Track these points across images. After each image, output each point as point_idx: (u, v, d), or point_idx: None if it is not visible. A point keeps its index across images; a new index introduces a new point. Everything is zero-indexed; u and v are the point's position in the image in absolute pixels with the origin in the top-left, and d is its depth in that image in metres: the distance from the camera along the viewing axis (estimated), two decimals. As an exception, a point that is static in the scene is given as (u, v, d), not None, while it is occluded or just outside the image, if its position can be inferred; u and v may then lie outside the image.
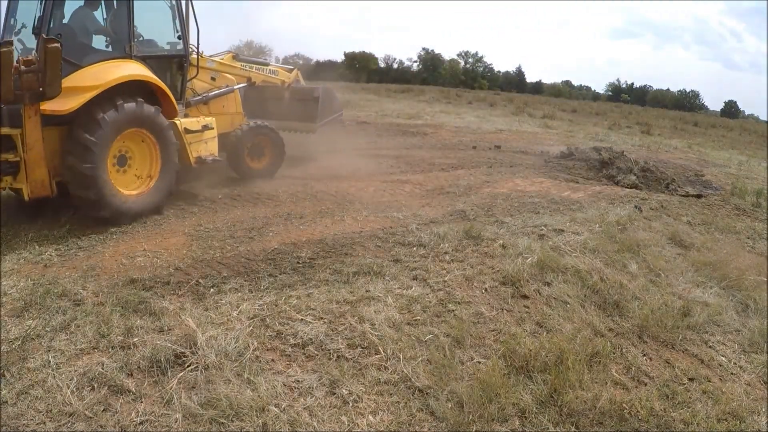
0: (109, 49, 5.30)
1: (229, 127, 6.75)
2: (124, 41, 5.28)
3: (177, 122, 5.68)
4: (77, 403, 2.44)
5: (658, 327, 3.39)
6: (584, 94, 72.59)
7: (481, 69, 71.00)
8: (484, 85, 63.05)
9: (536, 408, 2.58)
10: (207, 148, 6.20)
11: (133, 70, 5.19)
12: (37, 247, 4.40)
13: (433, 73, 64.57)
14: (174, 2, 5.79)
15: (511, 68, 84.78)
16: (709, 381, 2.96)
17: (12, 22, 5.20)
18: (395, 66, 68.36)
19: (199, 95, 6.43)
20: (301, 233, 4.80)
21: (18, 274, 3.83)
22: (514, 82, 68.27)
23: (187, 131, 5.87)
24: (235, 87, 6.90)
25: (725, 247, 5.15)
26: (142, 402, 2.50)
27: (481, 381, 2.70)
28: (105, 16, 5.45)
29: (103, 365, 2.72)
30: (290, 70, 8.11)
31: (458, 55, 70.77)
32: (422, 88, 40.55)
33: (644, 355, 3.16)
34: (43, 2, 4.72)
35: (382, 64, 67.15)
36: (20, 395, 2.50)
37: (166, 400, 2.51)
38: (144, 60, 5.41)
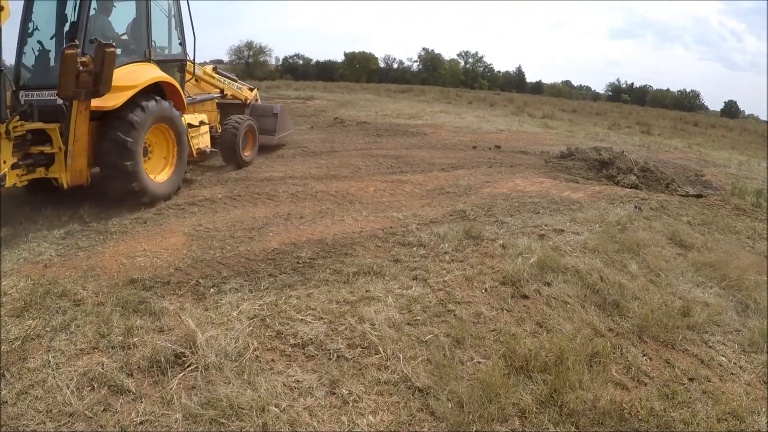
0: (130, 53, 5.89)
1: (208, 123, 7.50)
2: (143, 47, 5.90)
3: (182, 118, 6.33)
4: (77, 403, 2.45)
5: (658, 327, 3.39)
6: (584, 94, 72.57)
7: (481, 69, 70.92)
8: (484, 85, 63.01)
9: (536, 408, 2.58)
10: (203, 140, 7.10)
11: (158, 72, 5.88)
12: (37, 247, 4.41)
13: (433, 73, 64.52)
14: (174, 12, 6.51)
15: (511, 68, 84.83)
16: (709, 381, 2.96)
17: (29, 25, 5.46)
18: (395, 66, 68.38)
19: (190, 96, 7.09)
20: (301, 233, 4.79)
21: (18, 274, 3.83)
22: (514, 82, 68.22)
23: (190, 126, 6.63)
24: (214, 95, 8.04)
25: (725, 247, 5.14)
26: (142, 402, 2.50)
27: (481, 381, 2.70)
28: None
29: (103, 365, 2.72)
30: (251, 89, 9.14)
31: (458, 55, 70.70)
32: (422, 88, 40.58)
33: (644, 355, 3.16)
34: (78, 10, 5.28)
35: (382, 64, 67.19)
36: (20, 395, 2.50)
37: (166, 400, 2.51)
38: (158, 63, 6.06)
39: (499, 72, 71.90)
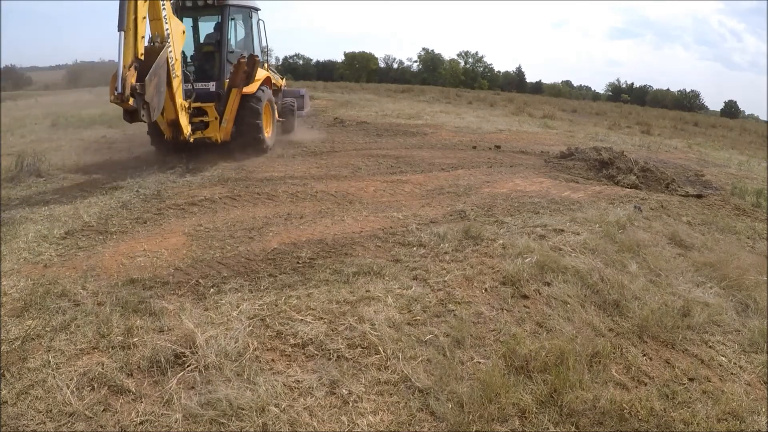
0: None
1: None
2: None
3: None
4: (77, 403, 2.45)
5: (658, 327, 3.39)
6: (584, 94, 72.56)
7: (481, 69, 70.97)
8: (484, 85, 63.02)
9: (536, 408, 2.58)
10: (276, 114, 10.16)
11: (264, 71, 9.17)
12: (37, 247, 4.41)
13: (433, 73, 64.57)
14: (260, 28, 9.83)
15: (511, 68, 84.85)
16: (709, 381, 2.96)
17: None
18: (395, 66, 68.45)
19: None
20: (301, 233, 4.79)
21: (18, 274, 3.84)
22: (514, 82, 68.19)
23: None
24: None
25: (725, 247, 5.14)
26: (142, 402, 2.50)
27: (481, 381, 2.70)
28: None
29: (103, 365, 2.73)
30: (282, 78, 12.16)
31: (458, 55, 70.77)
32: (422, 88, 40.51)
33: (644, 355, 3.16)
34: (220, 32, 8.56)
35: (382, 64, 67.27)
36: (20, 395, 2.50)
37: (166, 400, 2.52)
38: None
39: (499, 72, 72.01)
